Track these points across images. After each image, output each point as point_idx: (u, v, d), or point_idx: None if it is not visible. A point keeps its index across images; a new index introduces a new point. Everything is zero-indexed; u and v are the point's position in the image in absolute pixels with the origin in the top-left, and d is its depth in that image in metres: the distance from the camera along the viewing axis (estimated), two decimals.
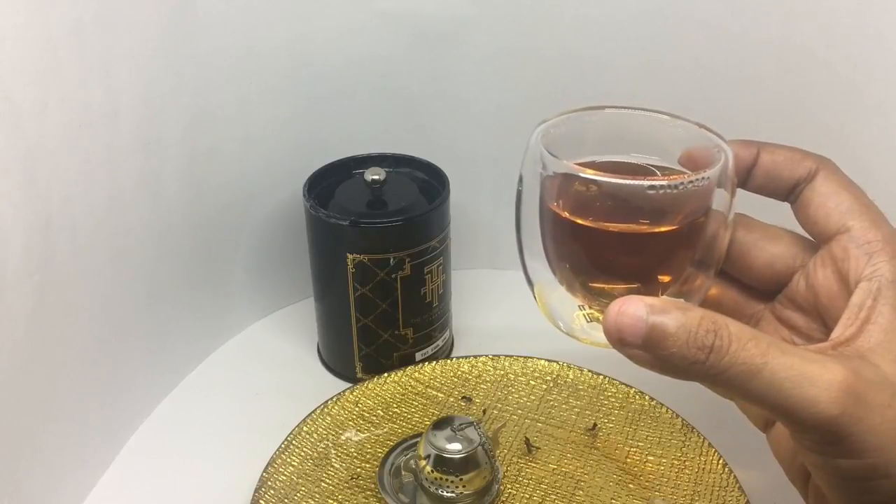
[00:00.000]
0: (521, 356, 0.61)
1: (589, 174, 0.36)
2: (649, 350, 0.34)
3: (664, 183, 0.35)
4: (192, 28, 0.55)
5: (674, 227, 0.38)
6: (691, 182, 0.36)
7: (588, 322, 0.40)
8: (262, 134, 0.62)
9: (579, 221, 0.38)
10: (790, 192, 0.41)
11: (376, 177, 0.60)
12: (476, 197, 0.68)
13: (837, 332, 0.36)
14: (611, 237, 0.38)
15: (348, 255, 0.58)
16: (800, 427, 0.34)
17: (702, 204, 0.38)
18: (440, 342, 0.64)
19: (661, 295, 0.40)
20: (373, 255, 0.58)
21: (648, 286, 0.39)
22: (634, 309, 0.33)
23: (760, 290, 0.43)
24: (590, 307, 0.40)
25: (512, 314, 0.68)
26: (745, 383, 0.33)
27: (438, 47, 0.64)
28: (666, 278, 0.39)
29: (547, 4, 0.62)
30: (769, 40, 0.59)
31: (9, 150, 0.43)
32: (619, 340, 0.34)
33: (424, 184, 0.62)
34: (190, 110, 0.56)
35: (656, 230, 0.38)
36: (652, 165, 0.40)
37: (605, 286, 0.40)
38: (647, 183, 0.35)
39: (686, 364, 0.33)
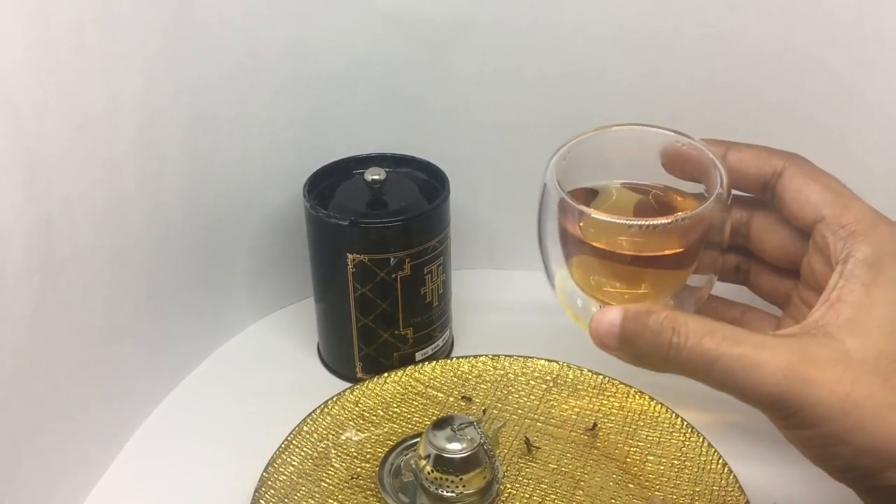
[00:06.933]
0: (521, 356, 0.61)
1: (591, 213, 0.41)
2: (625, 349, 0.40)
3: (647, 223, 0.39)
4: (192, 28, 0.55)
5: (676, 251, 0.41)
6: (671, 222, 0.40)
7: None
8: (262, 134, 0.62)
9: (591, 242, 0.42)
10: (763, 189, 0.43)
11: (376, 177, 0.60)
12: (476, 197, 0.68)
13: (811, 313, 0.39)
14: (620, 256, 0.41)
15: (348, 255, 0.58)
16: (757, 406, 0.38)
17: (697, 230, 0.41)
18: (440, 342, 0.64)
19: (673, 290, 0.43)
20: (373, 255, 0.58)
21: (657, 288, 0.43)
22: (611, 317, 0.40)
23: (787, 270, 0.45)
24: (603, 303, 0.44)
25: (512, 314, 0.68)
26: (706, 372, 0.38)
27: (438, 48, 0.64)
28: (671, 283, 0.43)
29: (546, 5, 0.62)
30: (769, 40, 0.59)
31: (9, 150, 0.43)
32: (601, 344, 0.41)
33: (424, 184, 0.62)
34: (190, 110, 0.56)
35: (657, 254, 0.42)
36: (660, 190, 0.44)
37: (617, 290, 0.43)
38: (629, 222, 0.40)
39: (655, 359, 0.39)
